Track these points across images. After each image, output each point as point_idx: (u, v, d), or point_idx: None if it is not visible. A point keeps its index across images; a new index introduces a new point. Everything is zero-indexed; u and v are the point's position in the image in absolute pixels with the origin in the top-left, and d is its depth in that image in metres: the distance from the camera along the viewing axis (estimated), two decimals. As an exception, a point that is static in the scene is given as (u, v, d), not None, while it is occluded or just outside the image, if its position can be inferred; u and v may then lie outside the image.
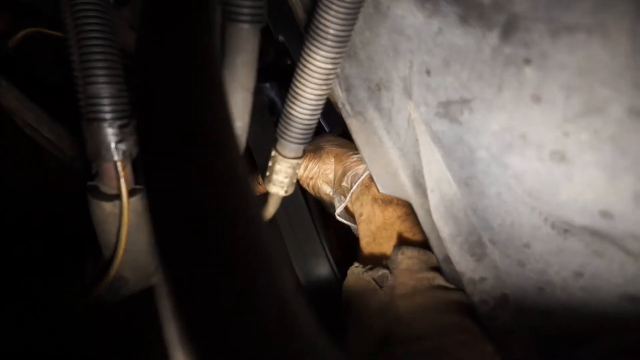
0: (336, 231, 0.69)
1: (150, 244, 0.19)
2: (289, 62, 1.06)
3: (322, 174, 0.69)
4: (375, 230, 0.59)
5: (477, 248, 0.43)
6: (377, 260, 0.57)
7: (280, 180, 0.46)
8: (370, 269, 0.55)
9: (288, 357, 0.15)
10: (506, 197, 0.38)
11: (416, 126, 0.40)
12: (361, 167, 0.64)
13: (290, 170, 0.46)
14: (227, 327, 0.15)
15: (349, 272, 0.57)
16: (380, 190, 0.48)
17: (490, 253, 0.43)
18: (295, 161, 0.45)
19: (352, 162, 0.66)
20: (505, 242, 0.41)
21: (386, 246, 0.57)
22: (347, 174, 0.65)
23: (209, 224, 0.18)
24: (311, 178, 0.68)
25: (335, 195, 0.67)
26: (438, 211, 0.43)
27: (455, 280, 0.50)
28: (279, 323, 0.16)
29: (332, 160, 0.68)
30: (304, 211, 0.67)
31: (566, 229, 0.36)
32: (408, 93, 0.40)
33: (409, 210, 0.57)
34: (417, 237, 0.57)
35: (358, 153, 0.67)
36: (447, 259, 0.47)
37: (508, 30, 0.29)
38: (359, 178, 0.62)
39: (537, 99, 0.30)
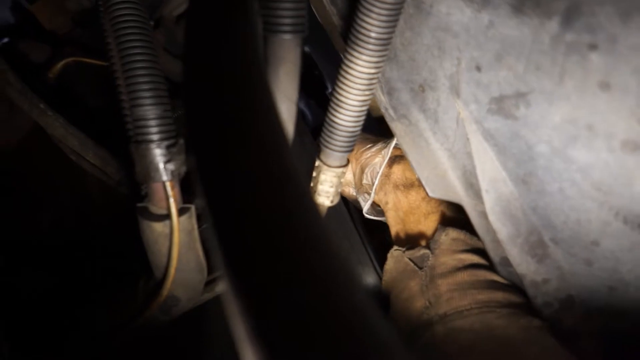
0: (381, 242, 0.68)
1: (214, 251, 0.18)
2: (316, 73, 1.06)
3: None
4: (403, 216, 0.59)
5: (538, 248, 0.41)
6: (413, 243, 0.56)
7: (325, 190, 0.45)
8: (410, 248, 0.54)
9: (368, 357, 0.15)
10: (570, 193, 0.35)
11: (466, 125, 0.39)
12: (377, 161, 0.63)
13: (335, 180, 0.45)
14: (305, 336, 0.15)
15: (388, 255, 0.57)
16: (430, 194, 0.47)
17: (552, 253, 0.41)
18: (340, 170, 0.44)
19: (367, 158, 0.65)
20: (569, 240, 0.39)
21: (416, 229, 0.57)
22: (366, 171, 0.64)
23: (272, 226, 0.17)
24: None
25: (359, 195, 0.67)
26: (494, 212, 0.41)
27: (515, 283, 0.48)
28: (356, 327, 0.15)
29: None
30: (347, 220, 0.66)
31: (641, 223, 0.34)
32: (456, 92, 0.38)
33: None
34: (448, 213, 0.56)
35: (369, 145, 0.66)
36: (505, 261, 0.45)
37: (570, 16, 0.27)
38: (378, 172, 0.62)
39: (605, 86, 0.28)
